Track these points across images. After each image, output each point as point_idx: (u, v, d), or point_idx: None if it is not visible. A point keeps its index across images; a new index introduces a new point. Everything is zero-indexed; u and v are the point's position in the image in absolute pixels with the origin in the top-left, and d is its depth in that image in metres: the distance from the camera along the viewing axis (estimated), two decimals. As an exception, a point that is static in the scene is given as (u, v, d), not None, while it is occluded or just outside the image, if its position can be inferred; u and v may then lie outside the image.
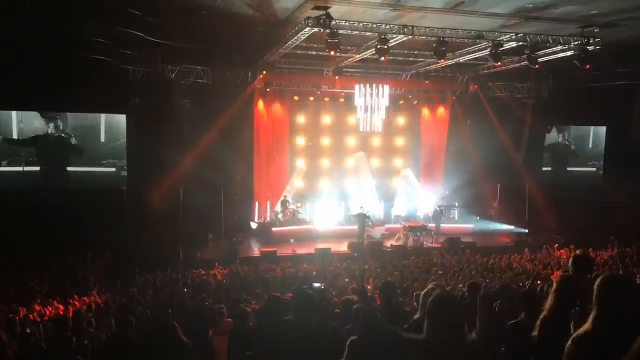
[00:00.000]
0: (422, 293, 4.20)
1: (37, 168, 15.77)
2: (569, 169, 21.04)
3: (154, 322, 6.18)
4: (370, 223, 17.12)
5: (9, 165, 15.49)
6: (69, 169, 16.05)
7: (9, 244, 12.73)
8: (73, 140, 15.96)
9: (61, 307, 9.10)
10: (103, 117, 16.41)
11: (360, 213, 16.48)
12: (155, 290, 10.53)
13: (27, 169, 15.61)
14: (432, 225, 17.35)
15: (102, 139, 16.46)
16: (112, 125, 16.47)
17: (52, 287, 10.95)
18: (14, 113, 15.49)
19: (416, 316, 4.18)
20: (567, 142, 20.98)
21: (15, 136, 15.51)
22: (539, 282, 7.97)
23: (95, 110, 16.07)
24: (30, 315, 8.31)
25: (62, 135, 15.90)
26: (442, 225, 17.71)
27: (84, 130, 16.32)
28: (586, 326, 2.51)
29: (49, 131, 15.76)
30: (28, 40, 13.04)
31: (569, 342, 2.52)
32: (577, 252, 4.18)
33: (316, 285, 5.99)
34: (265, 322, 4.54)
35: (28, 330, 6.48)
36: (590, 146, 21.22)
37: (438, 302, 2.81)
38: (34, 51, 13.27)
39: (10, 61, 13.26)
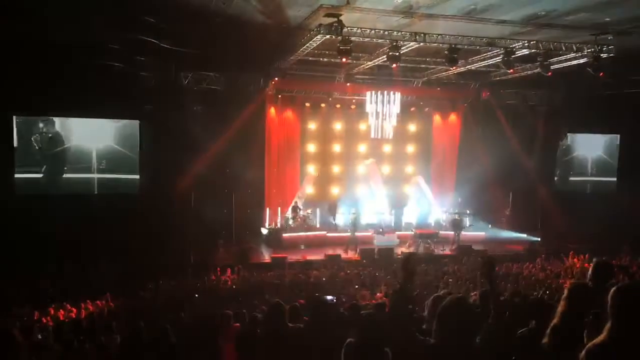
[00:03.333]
0: (431, 299, 4.15)
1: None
2: (582, 178, 20.83)
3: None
4: (381, 229, 17.10)
5: (28, 172, 15.67)
6: (92, 176, 16.23)
7: (23, 248, 12.89)
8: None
9: (74, 310, 9.18)
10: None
11: (352, 219, 16.48)
12: (166, 295, 10.58)
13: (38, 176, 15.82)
14: (445, 233, 17.24)
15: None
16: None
17: (65, 291, 11.04)
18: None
19: (425, 326, 4.14)
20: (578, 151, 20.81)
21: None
22: (547, 292, 7.89)
23: (109, 116, 16.23)
24: (44, 319, 8.38)
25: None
26: (464, 233, 17.38)
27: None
28: (601, 337, 2.48)
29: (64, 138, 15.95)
30: (44, 47, 13.24)
31: (583, 352, 2.49)
32: (598, 260, 4.10)
33: (328, 298, 5.94)
34: (270, 329, 4.54)
35: (40, 337, 6.53)
36: (602, 154, 21.02)
37: (449, 307, 2.80)
38: (50, 57, 13.45)
39: (25, 67, 13.46)
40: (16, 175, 15.41)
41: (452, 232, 17.22)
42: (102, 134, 16.29)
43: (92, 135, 16.22)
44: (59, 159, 15.96)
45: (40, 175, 15.81)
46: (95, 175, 16.27)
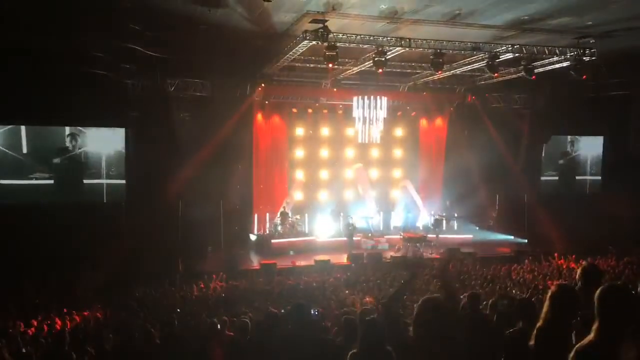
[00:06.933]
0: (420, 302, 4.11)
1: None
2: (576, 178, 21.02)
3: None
4: (370, 234, 17.13)
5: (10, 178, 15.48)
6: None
7: (7, 258, 12.68)
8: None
9: (59, 321, 9.03)
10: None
11: (348, 224, 16.53)
12: (154, 304, 10.47)
13: (25, 182, 15.60)
14: (432, 235, 17.33)
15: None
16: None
17: (50, 301, 10.87)
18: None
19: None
20: (572, 152, 20.98)
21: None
22: (535, 293, 7.93)
23: (94, 124, 16.06)
24: (29, 331, 8.24)
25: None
26: (441, 235, 17.67)
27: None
28: (589, 337, 2.50)
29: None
30: (27, 54, 13.10)
31: (572, 353, 2.51)
32: (586, 264, 4.11)
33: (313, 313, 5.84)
34: (263, 336, 4.53)
35: (24, 351, 6.41)
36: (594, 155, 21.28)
37: (424, 310, 2.77)
38: (34, 65, 13.31)
39: (9, 74, 13.30)
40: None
41: (434, 235, 17.36)
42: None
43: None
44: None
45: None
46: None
